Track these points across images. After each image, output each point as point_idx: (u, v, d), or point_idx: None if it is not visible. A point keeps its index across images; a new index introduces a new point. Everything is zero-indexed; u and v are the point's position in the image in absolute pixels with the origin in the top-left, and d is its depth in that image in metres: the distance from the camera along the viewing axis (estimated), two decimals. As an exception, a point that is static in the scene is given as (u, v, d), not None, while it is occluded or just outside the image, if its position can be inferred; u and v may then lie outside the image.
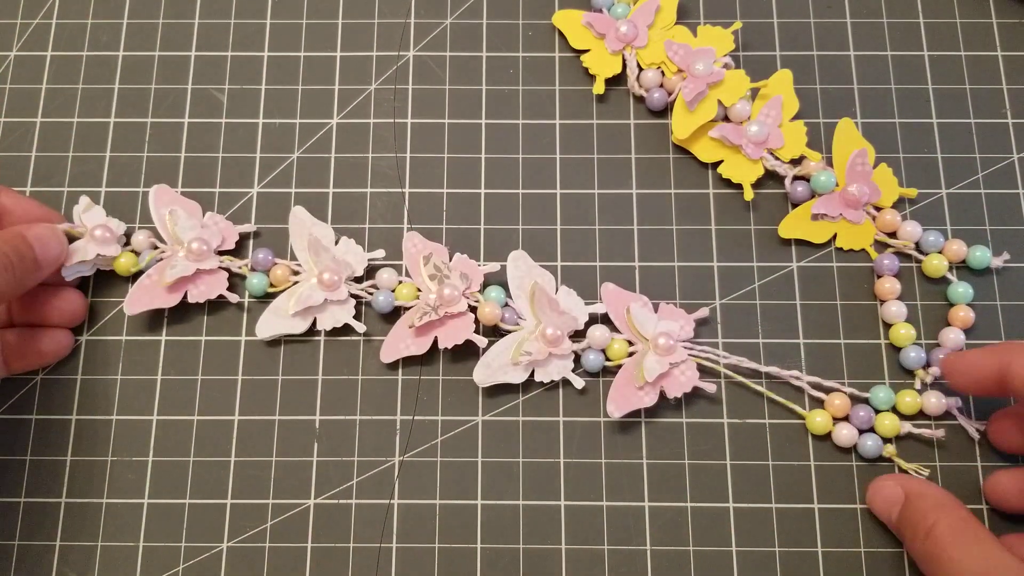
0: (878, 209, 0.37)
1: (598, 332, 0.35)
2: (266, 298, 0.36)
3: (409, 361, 0.36)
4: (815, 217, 0.37)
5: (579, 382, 0.35)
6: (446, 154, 0.39)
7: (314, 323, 0.36)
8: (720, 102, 0.38)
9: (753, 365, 0.35)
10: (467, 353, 0.36)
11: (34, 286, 0.34)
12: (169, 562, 0.34)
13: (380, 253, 0.37)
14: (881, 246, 0.37)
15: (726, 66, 0.38)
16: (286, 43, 0.40)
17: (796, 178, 0.38)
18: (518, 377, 0.35)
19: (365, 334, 0.36)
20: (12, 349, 0.34)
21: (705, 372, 0.35)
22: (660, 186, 0.38)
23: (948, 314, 0.36)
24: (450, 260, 0.36)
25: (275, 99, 0.39)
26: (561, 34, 0.40)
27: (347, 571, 0.34)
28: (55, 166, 0.39)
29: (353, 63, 0.40)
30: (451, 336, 0.35)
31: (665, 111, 0.39)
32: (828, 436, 0.35)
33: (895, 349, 0.36)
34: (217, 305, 0.37)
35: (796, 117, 0.38)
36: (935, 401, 0.34)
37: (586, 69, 0.39)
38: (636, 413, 0.35)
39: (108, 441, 0.35)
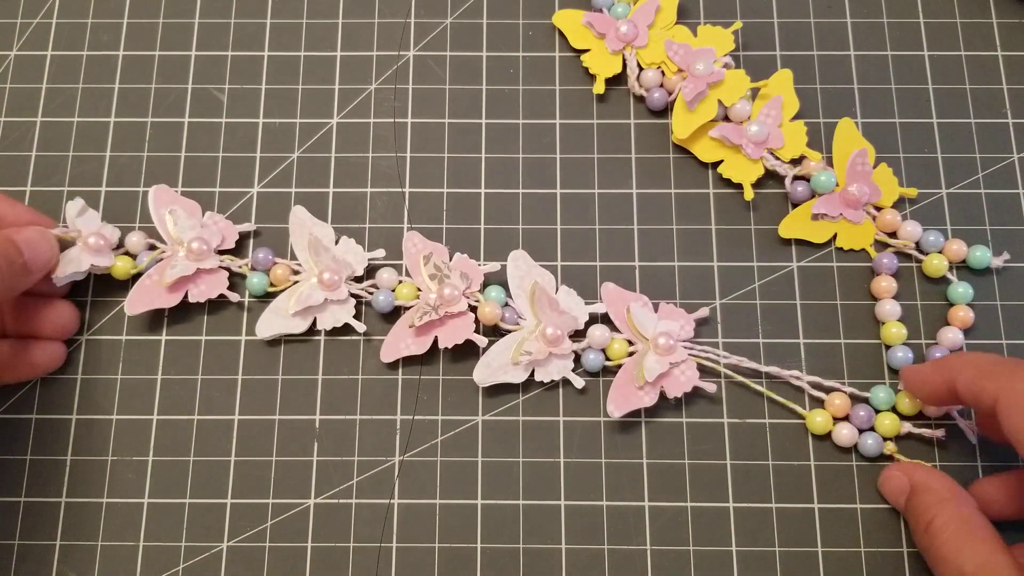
0: (878, 209, 0.37)
1: (598, 332, 0.35)
2: (266, 298, 0.36)
3: (409, 361, 0.36)
4: (815, 217, 0.37)
5: (579, 382, 0.35)
6: (446, 154, 0.39)
7: (314, 323, 0.36)
8: (720, 102, 0.38)
9: (753, 365, 0.35)
10: (467, 353, 0.36)
11: (24, 291, 0.34)
12: (169, 562, 0.34)
13: (380, 253, 0.37)
14: (881, 246, 0.37)
15: (726, 66, 0.38)
16: (286, 43, 0.40)
17: (796, 178, 0.38)
18: (518, 377, 0.35)
19: (365, 334, 0.36)
20: (3, 360, 0.34)
21: (705, 372, 0.35)
22: (660, 186, 0.38)
23: (948, 314, 0.36)
24: (450, 260, 0.36)
25: (275, 99, 0.39)
26: (561, 34, 0.40)
27: (347, 571, 0.34)
28: (55, 166, 0.39)
29: (353, 63, 0.40)
30: (451, 336, 0.35)
31: (665, 111, 0.39)
32: (828, 436, 0.35)
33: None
34: (217, 305, 0.37)
35: (796, 117, 0.38)
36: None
37: (586, 69, 0.39)
38: (636, 413, 0.35)
39: (108, 441, 0.35)
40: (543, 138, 0.39)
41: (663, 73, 0.39)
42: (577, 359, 0.35)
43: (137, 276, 0.36)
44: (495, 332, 0.36)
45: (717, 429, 0.35)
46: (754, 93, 0.38)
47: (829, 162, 0.38)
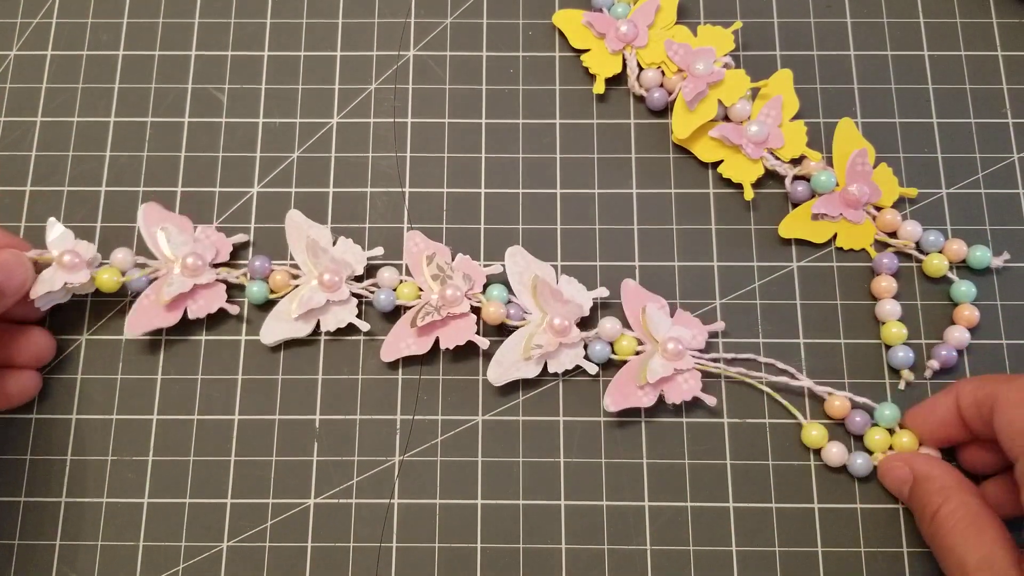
0: (878, 209, 0.37)
1: (609, 324, 0.35)
2: (268, 305, 0.36)
3: (409, 361, 0.36)
4: (815, 217, 0.37)
5: (592, 367, 0.35)
6: (446, 154, 0.39)
7: (317, 325, 0.36)
8: (720, 102, 0.38)
9: (755, 378, 0.35)
10: (468, 353, 0.36)
11: None
12: (169, 562, 0.34)
13: (379, 251, 0.37)
14: (881, 246, 0.37)
15: (726, 66, 0.38)
16: (286, 43, 0.40)
17: (796, 178, 0.38)
18: (532, 371, 0.35)
19: (368, 333, 0.36)
20: None
21: (708, 376, 0.35)
22: (660, 186, 0.38)
23: (953, 313, 0.36)
24: (452, 260, 0.36)
25: (275, 99, 0.39)
26: (561, 34, 0.40)
27: (347, 571, 0.34)
28: (55, 166, 0.39)
29: (353, 63, 0.40)
30: (453, 336, 0.35)
31: (665, 111, 0.39)
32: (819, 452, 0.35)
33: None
34: (217, 305, 0.37)
35: (796, 117, 0.38)
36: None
37: (586, 69, 0.39)
38: (635, 412, 0.35)
39: (108, 441, 0.35)
40: (543, 138, 0.39)
41: (663, 73, 0.39)
42: (585, 348, 0.35)
43: (131, 290, 0.36)
44: (501, 331, 0.36)
45: (717, 429, 0.35)
46: (754, 93, 0.38)
47: (829, 162, 0.38)
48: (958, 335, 0.35)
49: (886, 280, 0.36)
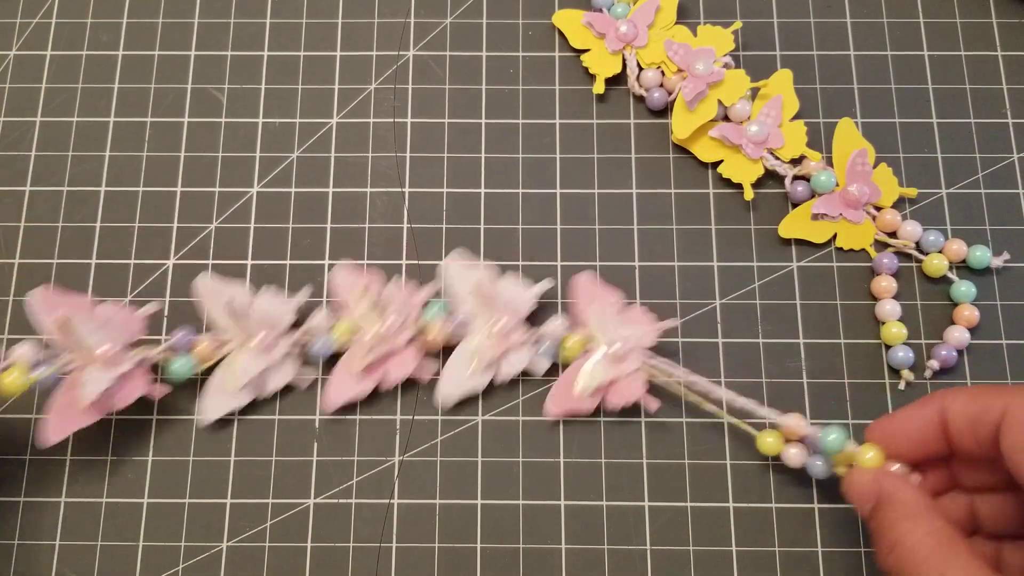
0: (878, 209, 0.37)
1: (555, 324, 0.34)
2: (194, 379, 0.35)
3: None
4: (815, 217, 0.37)
5: (544, 364, 0.34)
6: (446, 154, 0.39)
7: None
8: (720, 102, 0.38)
9: (711, 387, 0.34)
10: (467, 353, 0.36)
11: None
12: (169, 562, 0.34)
13: (304, 294, 0.35)
14: (881, 246, 0.37)
15: (726, 66, 0.38)
16: (286, 43, 0.40)
17: (796, 178, 0.38)
18: (481, 383, 0.34)
19: (311, 385, 0.35)
20: None
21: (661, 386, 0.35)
22: (660, 186, 0.38)
23: (953, 313, 0.36)
24: (384, 286, 0.35)
25: (275, 99, 0.39)
26: (561, 34, 0.40)
27: (347, 571, 0.34)
28: (55, 166, 0.39)
29: (353, 63, 0.40)
30: (400, 370, 0.34)
31: (665, 111, 0.39)
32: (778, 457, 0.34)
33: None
34: (217, 305, 0.37)
35: (796, 117, 0.38)
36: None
37: (586, 69, 0.39)
38: (636, 413, 0.35)
39: (108, 441, 0.35)
40: (543, 138, 0.39)
41: (663, 73, 0.39)
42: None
43: (40, 389, 0.33)
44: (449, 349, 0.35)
45: (717, 429, 0.35)
46: (754, 93, 0.38)
47: (829, 162, 0.38)
48: (958, 335, 0.35)
49: (886, 280, 0.36)
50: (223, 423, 0.35)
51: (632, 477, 0.35)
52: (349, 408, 0.35)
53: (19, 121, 0.39)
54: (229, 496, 0.35)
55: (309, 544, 0.34)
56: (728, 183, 0.38)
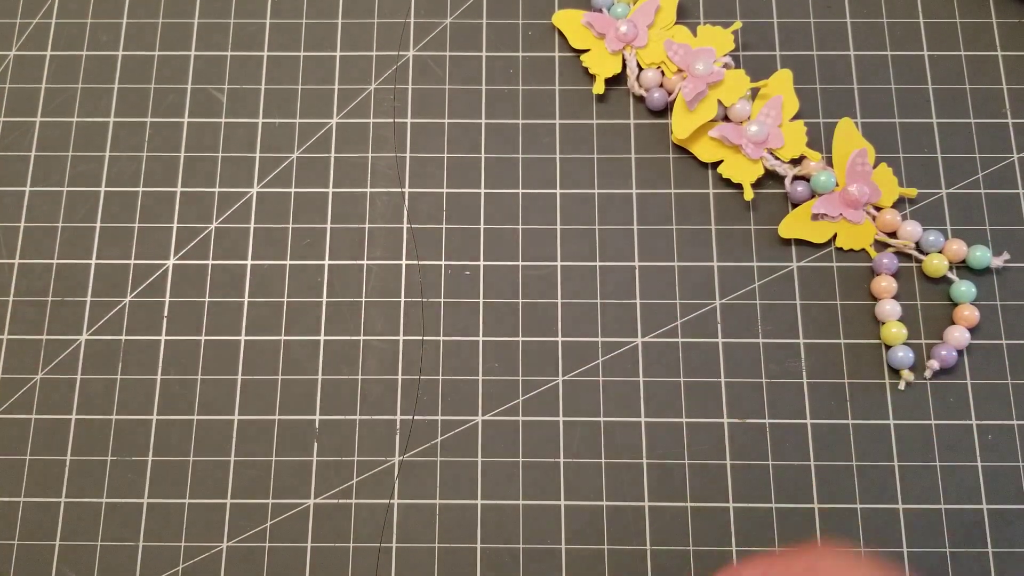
0: (878, 209, 0.37)
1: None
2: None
3: (409, 361, 0.36)
4: (815, 217, 0.37)
5: None
6: (446, 154, 0.39)
7: None
8: (720, 102, 0.38)
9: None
10: (468, 353, 0.36)
11: None
12: (169, 562, 0.34)
13: None
14: (881, 246, 0.37)
15: (726, 66, 0.38)
16: (286, 43, 0.40)
17: (796, 178, 0.38)
18: None
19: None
20: None
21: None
22: (660, 186, 0.38)
23: (953, 313, 0.36)
24: None
25: (275, 99, 0.39)
26: (561, 34, 0.40)
27: (347, 571, 0.34)
28: (55, 166, 0.39)
29: (353, 63, 0.40)
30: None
31: (665, 111, 0.39)
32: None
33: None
34: (217, 304, 0.37)
35: (796, 117, 0.38)
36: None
37: (586, 69, 0.39)
38: (636, 413, 0.35)
39: (108, 441, 0.35)
40: (543, 138, 0.39)
41: (663, 73, 0.39)
42: None
43: None
44: None
45: (718, 429, 0.35)
46: (754, 93, 0.38)
47: (829, 162, 0.38)
48: (958, 335, 0.35)
49: (886, 280, 0.36)
50: (223, 422, 0.35)
51: (632, 477, 0.35)
52: (349, 408, 0.36)
53: (19, 121, 0.39)
54: (229, 496, 0.35)
55: (309, 544, 0.34)
56: (728, 183, 0.38)
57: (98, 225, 0.38)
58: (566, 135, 0.39)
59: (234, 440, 0.35)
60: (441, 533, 0.34)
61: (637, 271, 0.37)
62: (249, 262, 0.37)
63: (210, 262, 0.37)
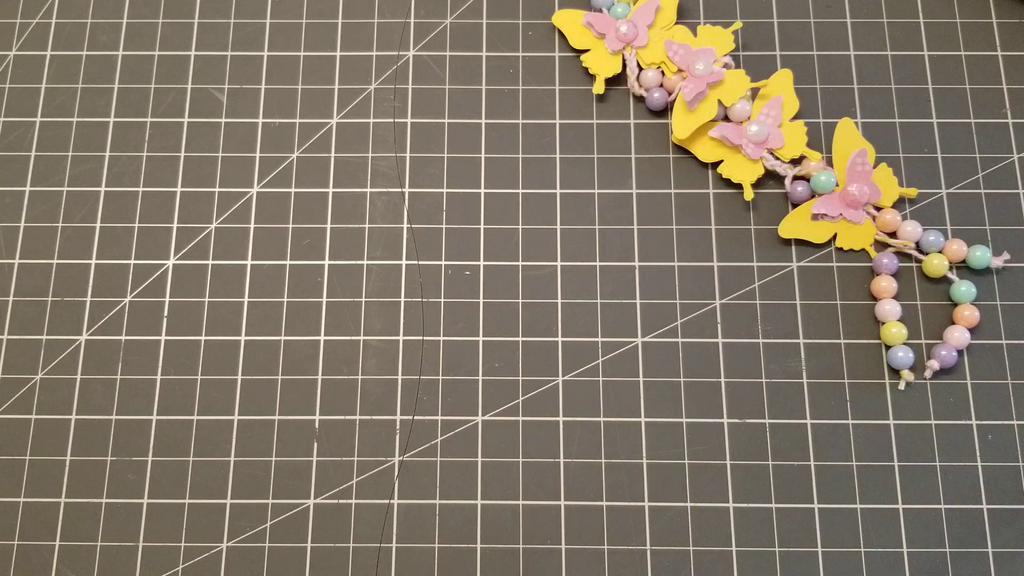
0: (878, 209, 0.37)
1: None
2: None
3: (409, 361, 0.36)
4: (815, 217, 0.37)
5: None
6: (446, 154, 0.39)
7: None
8: (720, 102, 0.38)
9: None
10: (468, 353, 0.36)
11: None
12: (169, 562, 0.34)
13: None
14: (881, 246, 0.37)
15: (726, 66, 0.38)
16: (286, 43, 0.40)
17: (796, 178, 0.38)
18: None
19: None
20: None
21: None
22: (660, 186, 0.38)
23: (953, 313, 0.36)
24: None
25: (275, 99, 0.39)
26: (561, 34, 0.40)
27: (347, 571, 0.34)
28: (55, 166, 0.39)
29: (353, 63, 0.40)
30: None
31: (665, 111, 0.39)
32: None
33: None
34: (217, 304, 0.37)
35: (796, 117, 0.38)
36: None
37: (586, 69, 0.39)
38: (636, 413, 0.35)
39: (108, 441, 0.35)
40: (543, 138, 0.39)
41: (663, 73, 0.39)
42: None
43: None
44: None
45: (717, 429, 0.35)
46: (754, 93, 0.38)
47: (829, 162, 0.38)
48: (958, 335, 0.35)
49: (886, 280, 0.36)
50: (223, 422, 0.35)
51: (632, 477, 0.35)
52: (349, 408, 0.36)
53: (19, 121, 0.39)
54: (229, 496, 0.35)
55: (309, 544, 0.34)
56: (728, 183, 0.38)
57: (98, 225, 0.38)
58: (566, 135, 0.39)
59: (234, 440, 0.35)
60: (441, 533, 0.34)
61: (637, 271, 0.37)
62: (249, 262, 0.37)
63: (210, 262, 0.37)
